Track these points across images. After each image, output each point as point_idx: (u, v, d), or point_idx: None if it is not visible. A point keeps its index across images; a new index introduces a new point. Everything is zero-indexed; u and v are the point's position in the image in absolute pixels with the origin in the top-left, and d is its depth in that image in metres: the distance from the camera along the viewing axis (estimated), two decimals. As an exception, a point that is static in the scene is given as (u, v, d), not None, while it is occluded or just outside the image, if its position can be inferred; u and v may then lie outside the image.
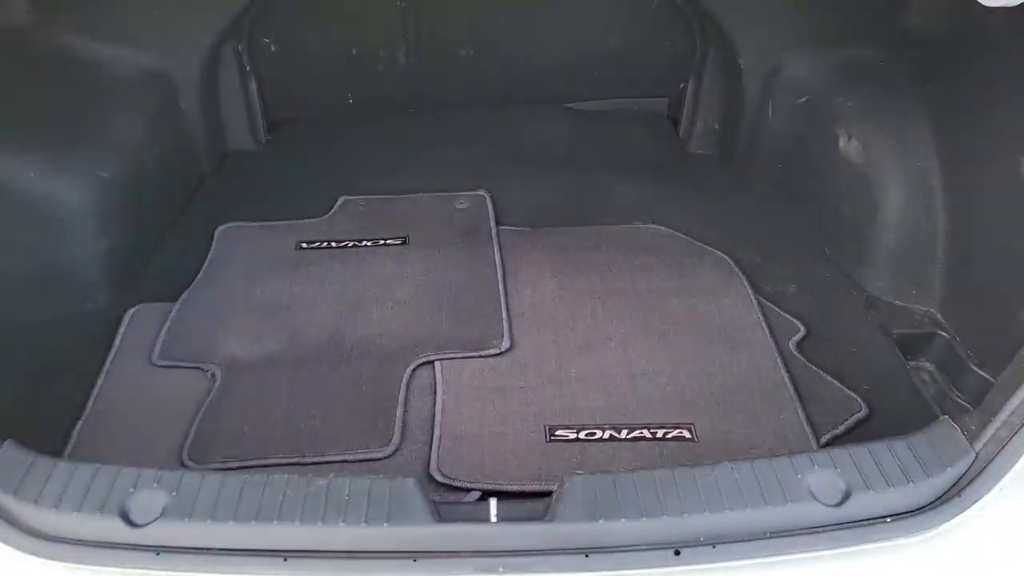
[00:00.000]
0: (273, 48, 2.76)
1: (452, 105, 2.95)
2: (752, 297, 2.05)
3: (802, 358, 1.87)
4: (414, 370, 1.82)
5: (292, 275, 2.13)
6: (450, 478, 1.55)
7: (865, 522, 1.12)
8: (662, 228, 2.32)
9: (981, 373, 1.79)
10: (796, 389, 1.77)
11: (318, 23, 2.74)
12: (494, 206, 2.44)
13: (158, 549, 1.08)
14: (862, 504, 1.12)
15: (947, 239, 1.97)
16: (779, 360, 1.84)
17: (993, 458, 1.15)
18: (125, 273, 2.08)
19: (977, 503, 1.12)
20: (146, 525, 1.08)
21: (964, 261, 1.94)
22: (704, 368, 1.82)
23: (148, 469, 1.14)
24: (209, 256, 2.22)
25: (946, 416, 1.25)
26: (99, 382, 1.79)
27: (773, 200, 2.46)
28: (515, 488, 1.53)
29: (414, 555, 1.10)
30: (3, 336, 1.87)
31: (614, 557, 1.09)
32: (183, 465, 1.58)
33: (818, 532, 1.12)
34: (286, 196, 2.52)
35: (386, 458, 1.61)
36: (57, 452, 1.60)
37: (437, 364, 1.83)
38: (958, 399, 1.84)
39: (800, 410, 1.71)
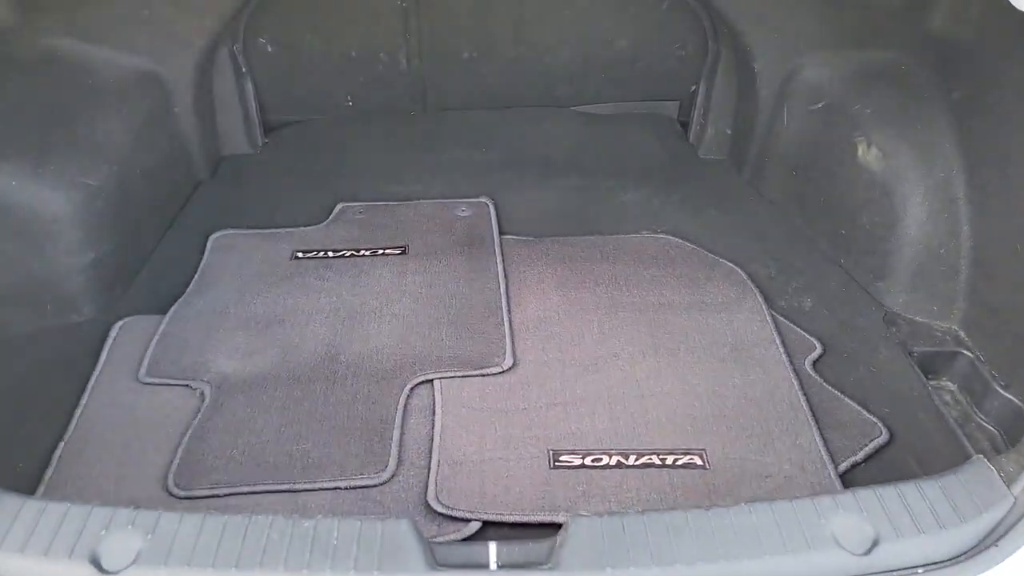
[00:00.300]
0: (270, 49, 2.68)
1: (454, 108, 2.87)
2: (766, 312, 1.96)
3: (819, 378, 1.79)
4: (412, 389, 1.74)
5: (287, 287, 2.05)
6: (449, 507, 1.47)
7: (895, 573, 1.03)
8: (672, 238, 2.24)
9: (1006, 395, 1.72)
10: (812, 412, 1.68)
11: (316, 23, 2.65)
12: (497, 214, 2.36)
13: (130, 598, 1.00)
14: (892, 553, 1.04)
15: (971, 253, 1.89)
16: (794, 381, 1.76)
17: (1034, 503, 1.06)
18: (112, 284, 2.00)
19: (1017, 552, 1.03)
20: (118, 572, 1.00)
21: (988, 276, 1.85)
22: (716, 389, 1.74)
23: (123, 509, 1.06)
24: (201, 266, 2.14)
25: (980, 456, 1.17)
26: (83, 400, 1.71)
27: (786, 209, 2.37)
28: (517, 519, 1.45)
29: (407, 605, 1.02)
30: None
31: (623, 609, 1.00)
32: (168, 492, 1.50)
33: (844, 584, 1.03)
34: (282, 202, 2.44)
35: (381, 484, 1.52)
36: (38, 475, 1.53)
37: (436, 383, 1.75)
38: (982, 421, 1.77)
39: (817, 435, 1.62)
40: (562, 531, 1.10)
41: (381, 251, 2.19)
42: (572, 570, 1.02)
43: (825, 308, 2.01)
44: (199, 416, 1.67)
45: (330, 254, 2.18)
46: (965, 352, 1.85)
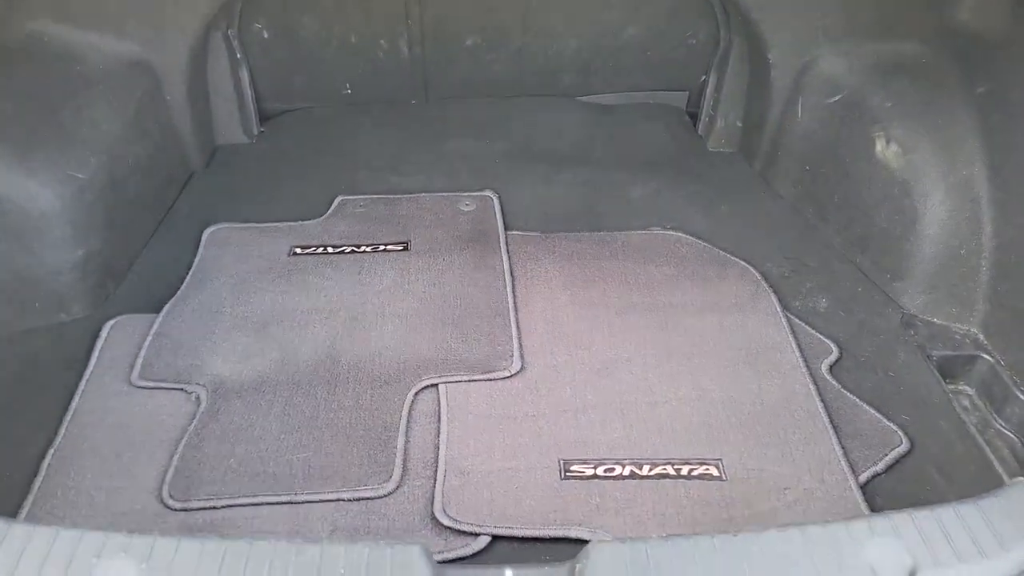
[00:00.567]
0: (266, 34, 2.58)
1: (457, 98, 2.78)
2: (781, 314, 1.90)
3: (836, 383, 1.73)
4: (416, 394, 1.67)
5: (284, 285, 1.97)
6: (456, 520, 1.41)
7: (935, 605, 0.98)
8: (682, 235, 2.17)
9: (1028, 401, 1.67)
10: (831, 420, 1.63)
11: (315, 7, 2.55)
12: (502, 208, 2.28)
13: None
14: (931, 583, 0.98)
15: (992, 254, 1.83)
16: (811, 386, 1.70)
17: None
18: (102, 282, 1.92)
19: (1063, 583, 0.98)
20: (110, 606, 0.94)
21: (1010, 278, 1.80)
22: (731, 395, 1.68)
23: (115, 535, 1.00)
24: (195, 262, 2.06)
25: (1021, 479, 1.11)
26: (73, 404, 1.64)
27: (799, 205, 2.31)
28: (528, 533, 1.39)
29: (419, 639, 0.96)
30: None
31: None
32: (163, 503, 1.44)
33: (882, 617, 0.98)
34: (279, 195, 2.36)
35: (386, 496, 1.46)
36: (26, 485, 1.47)
37: (441, 388, 1.69)
38: (1001, 428, 1.72)
39: (836, 444, 1.57)
40: (581, 556, 1.04)
41: (382, 247, 2.12)
42: (594, 602, 0.96)
43: (841, 309, 1.95)
44: (195, 422, 1.60)
45: (330, 250, 2.11)
46: (984, 356, 1.80)
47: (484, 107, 2.76)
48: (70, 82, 2.02)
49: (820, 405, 1.66)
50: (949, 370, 1.82)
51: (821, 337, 1.85)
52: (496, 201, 2.31)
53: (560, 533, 1.39)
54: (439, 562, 1.06)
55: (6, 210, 1.71)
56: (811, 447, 1.56)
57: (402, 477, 1.50)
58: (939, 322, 1.90)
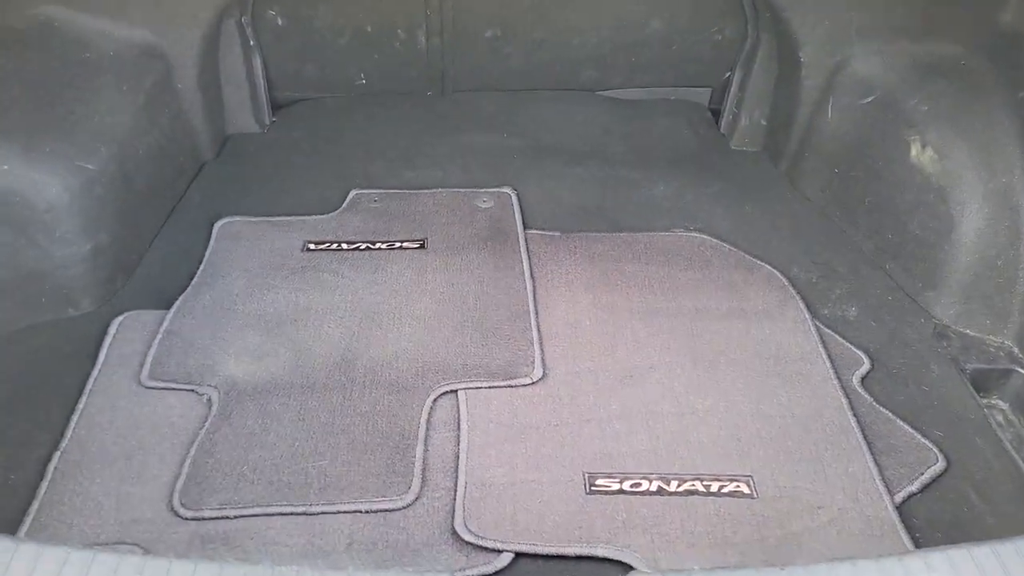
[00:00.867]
0: (280, 21, 2.51)
1: (475, 90, 2.71)
2: (809, 322, 1.84)
3: (868, 396, 1.67)
4: (435, 401, 1.62)
5: (298, 282, 1.91)
6: (478, 536, 1.36)
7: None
8: (706, 237, 2.11)
9: (1065, 418, 1.61)
10: (864, 435, 1.57)
11: None
12: (520, 206, 2.22)
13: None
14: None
15: None
16: (843, 399, 1.65)
17: None
18: (111, 276, 1.86)
19: None
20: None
21: (1048, 289, 1.74)
22: (760, 407, 1.62)
23: (129, 556, 0.94)
24: (206, 256, 2.00)
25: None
26: (80, 405, 1.59)
27: (826, 208, 2.24)
28: (553, 551, 1.34)
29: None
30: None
31: None
32: (174, 512, 1.38)
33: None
34: (292, 186, 2.30)
35: (404, 508, 1.41)
36: (32, 490, 1.42)
37: (461, 395, 1.63)
38: (1037, 445, 1.66)
39: (871, 461, 1.51)
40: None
41: (398, 244, 2.06)
42: (636, 639, 0.91)
43: (871, 318, 1.89)
44: (206, 426, 1.54)
45: (344, 246, 2.05)
46: (1020, 370, 1.75)
47: (502, 100, 2.69)
48: (80, 69, 1.95)
49: (852, 419, 1.60)
50: (983, 384, 1.76)
51: (851, 347, 1.79)
52: (514, 198, 2.25)
53: (586, 551, 1.34)
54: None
55: (11, 202, 1.64)
56: (844, 464, 1.51)
57: (421, 488, 1.44)
58: (973, 334, 1.84)
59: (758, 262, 2.03)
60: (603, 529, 1.37)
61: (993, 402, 1.78)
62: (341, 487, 1.43)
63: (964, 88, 1.92)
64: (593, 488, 1.45)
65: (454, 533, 1.36)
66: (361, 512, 1.40)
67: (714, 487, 1.45)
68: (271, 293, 1.88)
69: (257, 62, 2.51)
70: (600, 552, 1.33)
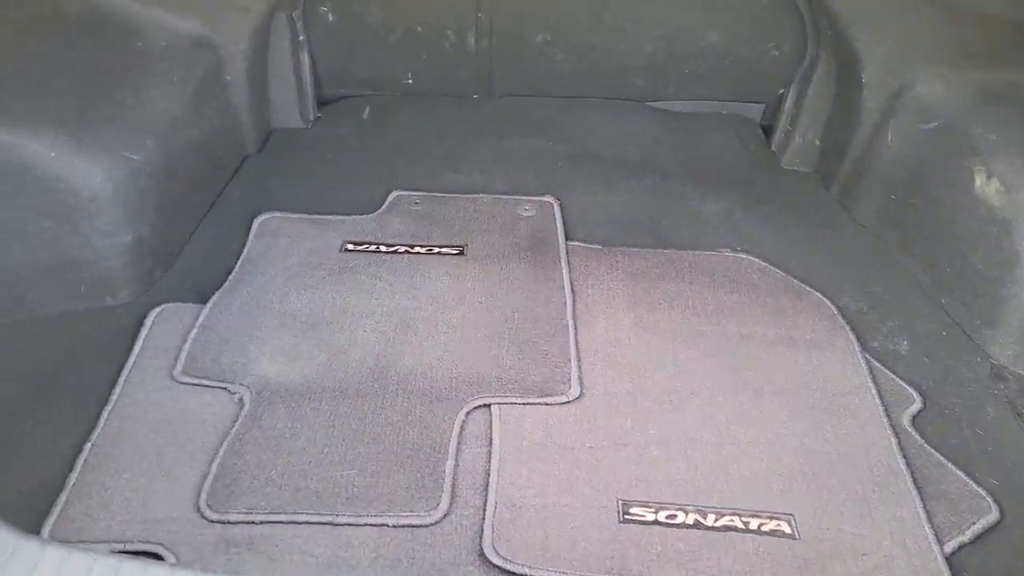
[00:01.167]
0: (331, 17, 2.50)
1: (522, 94, 2.67)
2: (859, 354, 1.77)
3: (919, 437, 1.60)
4: (467, 413, 1.58)
5: (335, 283, 1.89)
6: (507, 559, 1.32)
7: None
8: (754, 259, 2.04)
9: (1124, 469, 1.52)
10: (914, 478, 1.50)
11: None
12: (563, 216, 2.18)
13: None
14: None
15: None
16: (893, 439, 1.57)
17: None
18: (151, 268, 1.86)
19: None
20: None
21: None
22: (804, 442, 1.56)
23: (156, 568, 0.92)
24: (245, 251, 1.99)
25: None
26: (113, 395, 1.58)
27: (880, 235, 2.16)
28: (582, 580, 1.30)
29: None
30: (9, 335, 1.68)
31: None
32: (200, 513, 1.37)
33: None
34: (333, 184, 2.28)
35: (432, 524, 1.38)
36: (60, 481, 1.41)
37: (494, 409, 1.59)
38: (1095, 498, 1.57)
39: (920, 507, 1.44)
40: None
41: (437, 250, 2.03)
42: None
43: (924, 354, 1.81)
44: (236, 426, 1.53)
45: (383, 248, 2.02)
46: (1080, 418, 1.66)
47: (549, 106, 2.64)
48: (131, 58, 1.95)
49: (902, 461, 1.53)
50: (1039, 430, 1.68)
51: (902, 384, 1.72)
52: (557, 207, 2.21)
53: (617, 583, 1.29)
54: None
55: (57, 190, 1.64)
56: (892, 508, 1.44)
57: (450, 505, 1.41)
58: None
59: (807, 288, 1.96)
60: (636, 561, 1.32)
61: (1050, 450, 1.69)
62: (369, 499, 1.40)
63: (1036, 118, 1.83)
64: (627, 516, 1.40)
65: (482, 554, 1.33)
66: (388, 526, 1.37)
67: (753, 524, 1.40)
68: (308, 293, 1.86)
69: (305, 57, 2.49)
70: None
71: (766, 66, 2.51)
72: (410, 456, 1.49)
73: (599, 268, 1.99)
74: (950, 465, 1.54)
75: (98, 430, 1.51)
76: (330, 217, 2.13)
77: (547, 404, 1.60)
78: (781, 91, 2.55)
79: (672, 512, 1.41)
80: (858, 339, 1.82)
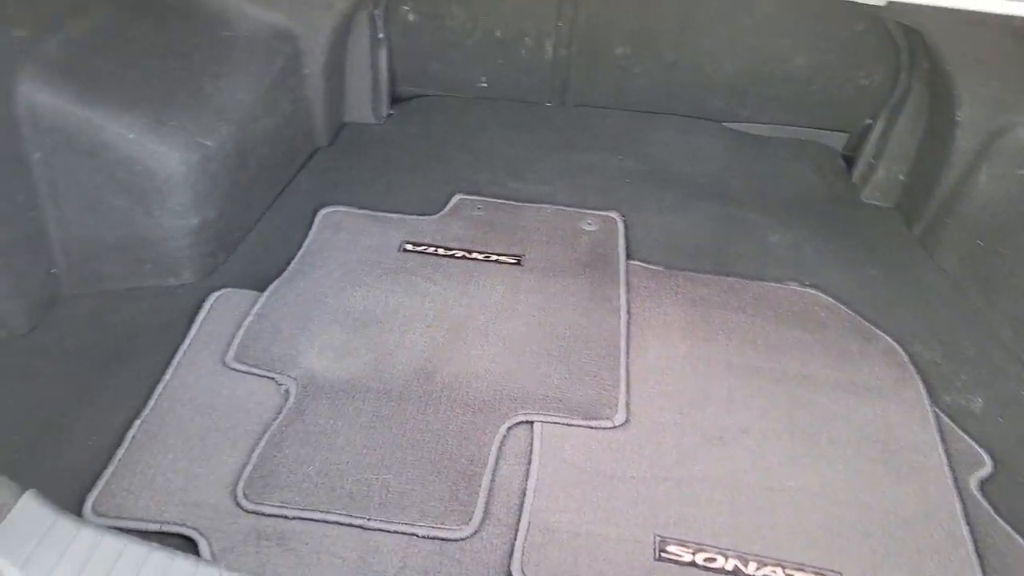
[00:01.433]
0: (411, 17, 2.51)
1: (595, 107, 2.63)
2: (928, 408, 1.67)
3: (987, 504, 1.49)
4: (509, 429, 1.56)
5: (390, 283, 1.89)
6: (533, 585, 1.29)
7: None
8: (822, 296, 1.95)
9: None
10: (976, 548, 1.40)
11: None
12: (626, 233, 2.13)
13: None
14: None
15: None
16: (957, 503, 1.48)
17: None
18: (214, 252, 1.90)
19: None
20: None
21: None
22: (860, 496, 1.48)
23: (182, 560, 0.92)
24: (305, 243, 2.01)
25: None
26: (166, 376, 1.62)
27: (963, 282, 2.04)
28: (610, 617, 1.26)
29: None
30: (81, 307, 1.73)
31: None
32: (236, 502, 1.38)
33: None
34: (398, 183, 2.29)
35: (462, 540, 1.35)
36: (108, 454, 1.44)
37: (536, 427, 1.56)
38: None
39: (980, 580, 1.35)
40: None
41: (495, 257, 2.01)
42: None
43: (999, 414, 1.70)
44: (280, 418, 1.54)
45: (440, 251, 2.01)
46: None
47: (622, 120, 2.60)
48: (216, 47, 2.00)
49: (965, 528, 1.43)
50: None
51: (973, 444, 1.61)
52: (620, 224, 2.16)
53: (646, 624, 1.25)
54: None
55: (132, 170, 1.69)
56: (949, 578, 1.35)
57: (482, 521, 1.38)
58: None
59: (877, 331, 1.86)
60: (668, 603, 1.27)
61: None
62: (402, 506, 1.39)
63: None
64: (663, 555, 1.35)
65: (509, 575, 1.30)
66: (417, 536, 1.35)
67: (797, 578, 1.33)
68: (362, 290, 1.86)
69: (383, 55, 2.51)
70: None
71: (853, 95, 2.40)
72: (447, 466, 1.47)
73: (658, 291, 1.93)
74: (1018, 538, 1.44)
75: (148, 408, 1.55)
76: (392, 215, 2.14)
77: (591, 428, 1.56)
78: (868, 121, 2.43)
79: (711, 555, 1.35)
80: (928, 391, 1.71)
